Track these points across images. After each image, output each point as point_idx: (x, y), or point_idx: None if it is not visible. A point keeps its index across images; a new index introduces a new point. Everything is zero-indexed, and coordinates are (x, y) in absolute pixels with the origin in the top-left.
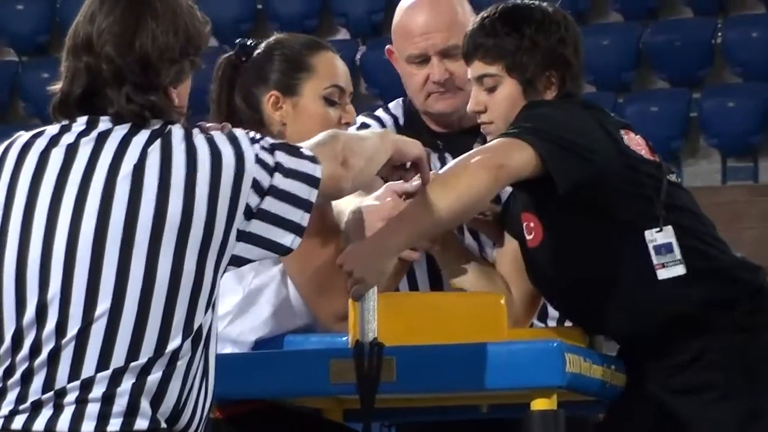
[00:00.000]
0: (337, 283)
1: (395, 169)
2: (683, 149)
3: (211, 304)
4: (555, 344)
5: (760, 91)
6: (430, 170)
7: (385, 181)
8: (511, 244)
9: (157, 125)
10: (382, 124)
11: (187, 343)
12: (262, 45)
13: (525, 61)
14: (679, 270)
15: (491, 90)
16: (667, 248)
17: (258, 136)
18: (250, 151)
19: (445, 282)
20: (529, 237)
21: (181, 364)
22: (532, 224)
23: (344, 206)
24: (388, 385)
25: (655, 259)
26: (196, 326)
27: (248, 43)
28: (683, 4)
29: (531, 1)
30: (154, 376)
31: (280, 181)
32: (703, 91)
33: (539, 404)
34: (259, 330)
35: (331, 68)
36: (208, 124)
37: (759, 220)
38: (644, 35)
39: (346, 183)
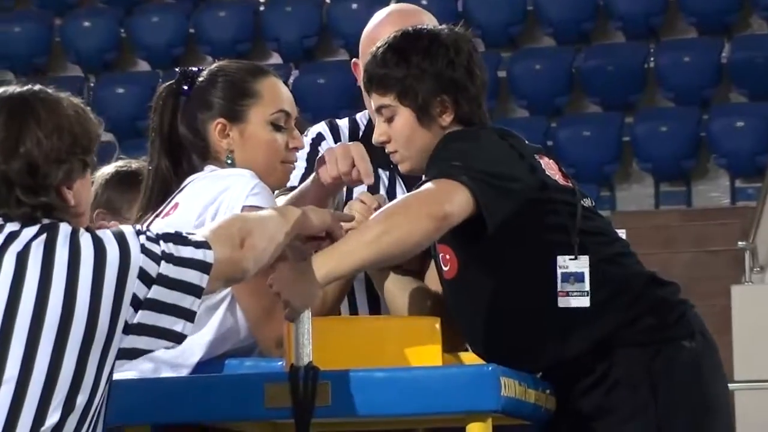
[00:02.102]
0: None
1: (308, 239)
2: (616, 173)
3: (92, 405)
4: (490, 368)
5: (692, 115)
6: (378, 191)
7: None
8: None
9: (46, 221)
10: (337, 134)
11: None
12: (205, 72)
13: (414, 88)
14: (583, 302)
15: (390, 120)
16: (577, 277)
17: (144, 228)
18: (135, 243)
19: (383, 307)
20: (445, 268)
21: None
22: (447, 256)
23: None
24: (323, 409)
25: (560, 286)
26: (71, 426)
27: (189, 70)
28: (615, 28)
29: (429, 27)
30: None
31: (168, 269)
32: (636, 115)
33: (474, 428)
34: (198, 353)
35: (276, 93)
36: (101, 222)
37: (692, 244)
38: (577, 60)
39: (246, 264)
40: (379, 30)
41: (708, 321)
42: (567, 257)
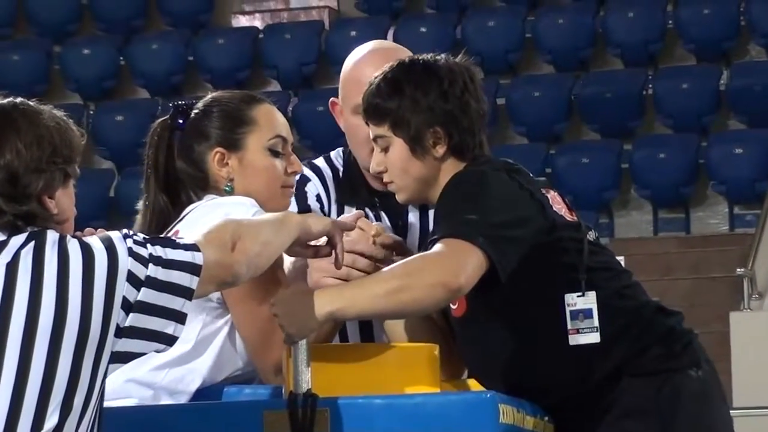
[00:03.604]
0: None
1: (307, 247)
2: (615, 200)
3: (89, 406)
4: (489, 395)
5: (691, 142)
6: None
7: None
8: None
9: (33, 230)
10: (321, 176)
11: None
12: (199, 104)
13: (407, 119)
14: (593, 338)
15: (386, 150)
16: (586, 314)
17: (131, 232)
18: (122, 247)
19: (376, 331)
20: (453, 307)
21: None
22: None
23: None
24: None
25: (569, 324)
26: (70, 427)
27: (183, 104)
28: (614, 55)
29: (425, 55)
30: None
31: (156, 271)
32: (635, 142)
33: None
34: (198, 380)
35: (272, 119)
36: (88, 229)
37: (690, 271)
38: (575, 87)
39: (239, 268)
40: (360, 69)
41: (706, 348)
42: (575, 294)
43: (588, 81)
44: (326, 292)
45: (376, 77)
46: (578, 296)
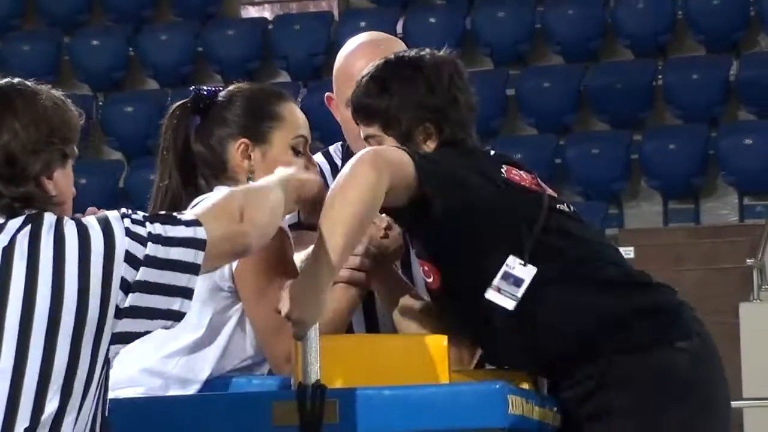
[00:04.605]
0: None
1: (311, 212)
2: (625, 191)
3: (90, 387)
4: (498, 386)
5: (701, 133)
6: None
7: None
8: None
9: (30, 212)
10: (320, 171)
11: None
12: (223, 93)
13: (397, 117)
14: (507, 304)
15: None
16: (516, 281)
17: (129, 211)
18: (119, 226)
19: (381, 323)
20: (428, 280)
21: None
22: (426, 268)
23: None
24: (331, 427)
25: (496, 281)
26: (70, 416)
27: (204, 89)
28: (623, 46)
29: (411, 53)
30: None
31: (156, 250)
32: (644, 133)
33: None
34: (207, 369)
35: (297, 118)
36: (90, 208)
37: (700, 262)
38: (585, 78)
39: (248, 239)
40: (351, 62)
41: (716, 338)
42: (518, 259)
43: (598, 72)
44: (310, 263)
45: (362, 77)
46: (520, 263)
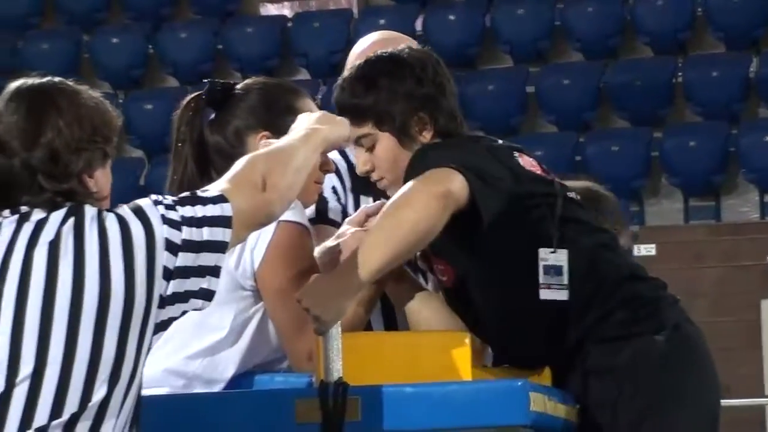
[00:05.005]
0: None
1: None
2: (645, 188)
3: (135, 376)
4: (519, 383)
5: (721, 130)
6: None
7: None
8: None
9: (70, 204)
10: (336, 168)
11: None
12: (240, 85)
13: (390, 112)
14: (562, 295)
15: (371, 149)
16: (556, 270)
17: (160, 197)
18: (155, 215)
19: (400, 321)
20: (443, 278)
21: None
22: (441, 267)
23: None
24: (353, 424)
25: (542, 278)
26: (116, 403)
27: (219, 82)
28: (643, 43)
29: (389, 50)
30: None
31: (191, 233)
32: (665, 130)
33: None
34: (231, 368)
35: None
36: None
37: (721, 259)
38: (605, 75)
39: (272, 207)
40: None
41: (737, 335)
42: (548, 250)
43: (617, 69)
44: (342, 268)
45: (343, 79)
46: (551, 252)
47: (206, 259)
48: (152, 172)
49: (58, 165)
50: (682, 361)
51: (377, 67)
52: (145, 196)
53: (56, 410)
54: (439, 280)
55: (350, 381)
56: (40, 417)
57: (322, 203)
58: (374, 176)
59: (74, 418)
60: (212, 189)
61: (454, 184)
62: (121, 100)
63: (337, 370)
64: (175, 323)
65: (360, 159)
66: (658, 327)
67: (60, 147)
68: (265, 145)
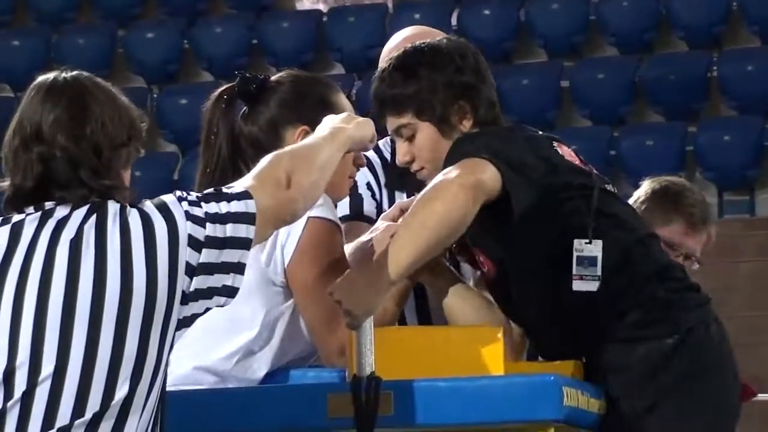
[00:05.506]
0: None
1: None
2: None
3: (158, 374)
4: (552, 378)
5: (756, 124)
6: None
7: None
8: None
9: (95, 200)
10: (370, 164)
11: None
12: (274, 78)
13: (430, 101)
14: (593, 286)
15: (411, 139)
16: (590, 261)
17: (184, 193)
18: (179, 211)
19: (434, 317)
20: (484, 269)
21: None
22: (481, 258)
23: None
24: (386, 419)
25: (575, 269)
26: (139, 401)
27: (251, 75)
28: (678, 38)
29: (427, 41)
30: None
31: (215, 229)
32: (699, 124)
33: None
34: (264, 368)
35: (348, 108)
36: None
37: (755, 253)
38: (640, 69)
39: (295, 204)
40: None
41: None
42: (583, 241)
43: (652, 63)
44: (375, 263)
45: (382, 70)
46: (586, 243)
47: (230, 255)
48: (186, 167)
49: (102, 159)
50: (690, 366)
51: (416, 57)
52: (179, 190)
53: (78, 409)
54: (480, 271)
55: (383, 376)
56: (63, 416)
57: (356, 200)
58: (414, 166)
59: (97, 417)
60: (237, 186)
61: (485, 175)
62: (155, 95)
63: (370, 365)
64: (205, 321)
65: (400, 149)
66: (672, 330)
67: (102, 141)
68: (302, 139)
